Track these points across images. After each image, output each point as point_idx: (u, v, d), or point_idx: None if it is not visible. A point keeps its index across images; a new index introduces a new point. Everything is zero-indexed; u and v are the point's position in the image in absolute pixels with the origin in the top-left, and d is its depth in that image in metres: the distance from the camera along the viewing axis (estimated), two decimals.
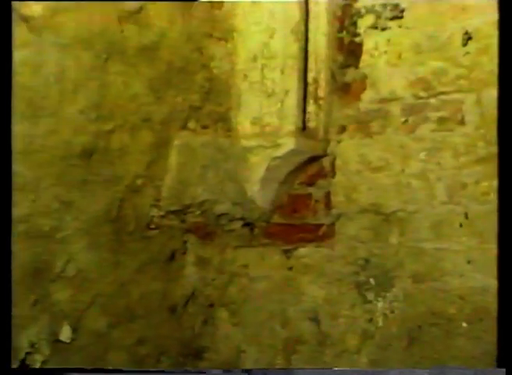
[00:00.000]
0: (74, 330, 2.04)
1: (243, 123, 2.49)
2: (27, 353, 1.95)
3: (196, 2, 2.33)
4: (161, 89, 2.29)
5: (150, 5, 2.17)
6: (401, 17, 2.38)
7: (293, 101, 2.41)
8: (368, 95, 2.44)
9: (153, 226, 2.32)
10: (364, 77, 2.46)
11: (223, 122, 2.49)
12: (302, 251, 2.52)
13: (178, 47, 2.34)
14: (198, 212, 2.45)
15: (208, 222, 2.49)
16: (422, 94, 2.32)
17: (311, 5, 2.46)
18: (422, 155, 2.31)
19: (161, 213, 2.34)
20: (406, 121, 2.34)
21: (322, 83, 2.47)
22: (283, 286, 2.50)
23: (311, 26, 2.44)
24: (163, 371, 2.11)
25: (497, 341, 1.64)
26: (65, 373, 1.74)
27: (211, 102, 2.46)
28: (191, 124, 2.43)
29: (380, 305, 2.28)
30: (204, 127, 2.45)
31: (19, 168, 1.87)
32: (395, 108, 2.37)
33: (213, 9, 2.46)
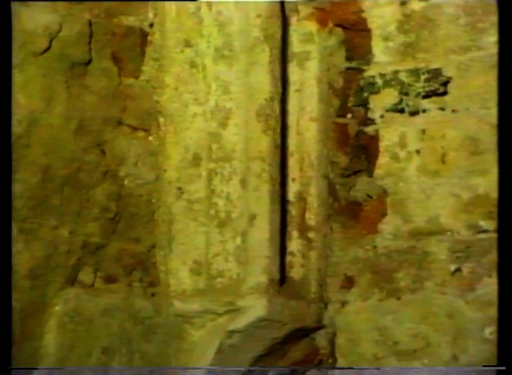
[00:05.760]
0: None
1: (178, 272, 2.12)
2: None
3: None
4: (32, 215, 1.98)
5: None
6: (444, 93, 2.13)
7: (262, 233, 2.08)
8: (390, 225, 2.15)
9: None
10: (384, 194, 2.17)
11: (142, 270, 2.15)
12: None
13: (60, 141, 2.03)
14: None
15: None
16: (484, 224, 2.08)
17: (292, 70, 2.19)
18: (487, 332, 2.03)
19: None
20: (458, 270, 2.07)
21: (313, 202, 2.17)
22: None
23: (292, 104, 2.19)
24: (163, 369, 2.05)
25: (497, 340, 1.78)
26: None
27: (121, 236, 2.11)
28: (85, 275, 2.05)
29: None
30: (109, 280, 2.09)
31: None
32: (438, 248, 2.08)
33: (124, 77, 2.11)
